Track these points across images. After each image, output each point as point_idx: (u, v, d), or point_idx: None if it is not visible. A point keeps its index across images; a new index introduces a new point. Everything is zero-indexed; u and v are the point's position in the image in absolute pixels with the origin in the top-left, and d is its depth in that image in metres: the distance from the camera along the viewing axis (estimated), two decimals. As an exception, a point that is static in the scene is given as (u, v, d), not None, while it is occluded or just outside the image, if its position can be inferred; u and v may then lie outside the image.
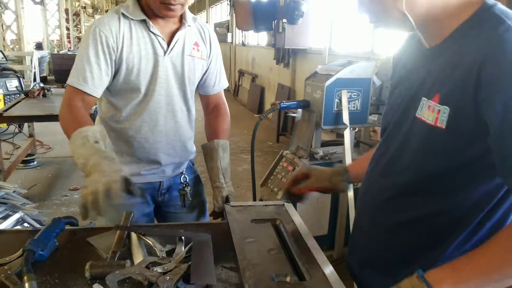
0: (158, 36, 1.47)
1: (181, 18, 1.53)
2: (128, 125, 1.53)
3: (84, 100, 1.42)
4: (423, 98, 0.91)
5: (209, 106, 1.74)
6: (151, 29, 1.46)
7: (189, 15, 1.54)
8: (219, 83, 1.71)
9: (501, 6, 0.85)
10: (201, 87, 1.69)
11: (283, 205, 1.43)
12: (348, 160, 2.57)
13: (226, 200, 1.52)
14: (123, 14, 1.44)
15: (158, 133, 1.55)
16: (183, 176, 1.69)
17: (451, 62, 0.86)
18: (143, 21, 1.46)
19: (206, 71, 1.64)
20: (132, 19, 1.45)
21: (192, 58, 1.56)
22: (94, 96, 1.43)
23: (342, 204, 2.71)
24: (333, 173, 1.33)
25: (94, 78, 1.41)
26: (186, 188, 1.68)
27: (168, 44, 1.50)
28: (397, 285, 0.82)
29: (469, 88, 0.80)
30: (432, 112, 0.88)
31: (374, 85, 2.68)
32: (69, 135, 1.28)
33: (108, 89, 1.50)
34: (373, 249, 1.11)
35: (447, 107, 0.84)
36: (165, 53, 1.49)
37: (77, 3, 18.32)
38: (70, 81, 1.42)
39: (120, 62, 1.44)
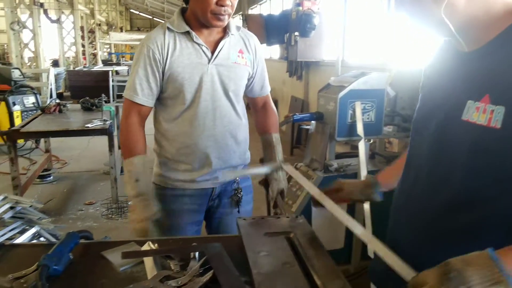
0: (202, 45, 1.57)
1: (225, 28, 1.61)
2: (179, 132, 1.61)
3: (140, 112, 1.59)
4: (469, 101, 0.90)
5: (257, 106, 1.85)
6: (195, 40, 1.56)
7: (232, 24, 1.62)
8: (264, 87, 1.82)
9: None
10: (248, 92, 1.78)
11: (297, 217, 1.41)
12: (363, 172, 2.54)
13: (281, 194, 1.69)
14: (168, 28, 1.56)
15: (207, 137, 1.62)
16: (235, 183, 1.75)
17: (503, 62, 0.85)
18: (187, 32, 1.55)
19: (253, 78, 1.73)
20: (176, 32, 1.55)
21: (237, 65, 1.63)
22: (147, 106, 1.59)
23: (358, 216, 2.67)
24: (364, 186, 1.33)
25: (143, 90, 1.55)
26: (239, 194, 1.76)
27: (213, 53, 1.58)
28: (463, 257, 0.75)
29: None
30: (483, 113, 0.86)
31: (388, 95, 2.66)
32: (124, 159, 1.56)
33: (158, 99, 1.62)
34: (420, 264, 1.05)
35: (501, 106, 0.83)
36: (209, 61, 1.57)
37: (92, 21, 18.71)
38: (125, 93, 1.59)
39: (166, 72, 1.55)
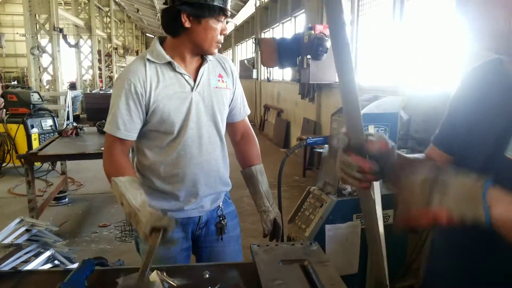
0: (184, 74, 1.56)
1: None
2: (166, 161, 1.60)
3: (122, 144, 1.56)
4: None
5: (237, 133, 1.83)
6: (177, 70, 1.55)
7: None
8: (244, 109, 1.80)
9: None
10: (229, 116, 1.75)
11: (311, 244, 1.41)
12: (377, 195, 2.51)
13: (275, 222, 1.72)
14: (148, 59, 1.53)
15: (195, 165, 1.61)
16: (219, 209, 1.74)
17: None
18: (169, 63, 1.54)
19: (233, 100, 1.73)
20: (157, 63, 1.54)
21: (219, 89, 1.64)
22: (130, 140, 1.56)
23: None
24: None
25: (126, 124, 1.53)
26: (222, 221, 1.73)
27: (194, 80, 1.58)
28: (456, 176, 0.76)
29: None
30: None
31: (402, 119, 2.65)
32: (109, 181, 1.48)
33: (143, 131, 1.59)
34: None
35: None
36: (192, 89, 1.57)
37: (109, 45, 19.16)
38: (107, 128, 1.56)
39: (151, 105, 1.53)
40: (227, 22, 1.54)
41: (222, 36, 1.54)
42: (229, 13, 1.51)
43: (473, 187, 0.74)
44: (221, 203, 1.75)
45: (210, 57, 1.62)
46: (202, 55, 1.58)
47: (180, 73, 1.55)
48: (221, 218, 1.73)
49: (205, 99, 1.60)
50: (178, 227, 1.64)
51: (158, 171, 1.61)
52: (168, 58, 1.54)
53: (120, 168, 1.50)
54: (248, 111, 1.83)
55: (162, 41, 1.59)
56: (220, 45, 1.56)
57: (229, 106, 1.72)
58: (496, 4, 0.78)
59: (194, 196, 1.64)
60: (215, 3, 1.45)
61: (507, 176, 0.82)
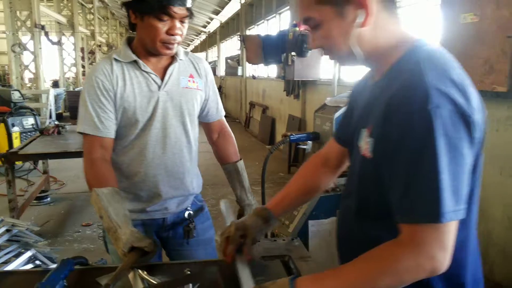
0: (151, 73, 1.53)
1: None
2: (128, 161, 1.57)
3: (102, 145, 1.49)
4: (362, 129, 0.98)
5: (214, 132, 1.81)
6: (142, 68, 1.52)
7: (180, 49, 1.59)
8: (220, 110, 1.79)
9: (427, 47, 0.91)
10: (204, 117, 1.74)
11: (293, 240, 1.41)
12: (360, 191, 2.53)
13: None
14: (115, 59, 1.51)
15: (157, 165, 1.57)
16: (187, 212, 1.70)
17: (380, 97, 0.92)
18: (134, 61, 1.52)
19: (206, 101, 1.71)
20: (124, 62, 1.52)
21: (189, 89, 1.60)
22: (109, 138, 1.50)
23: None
24: (263, 223, 1.24)
25: (102, 122, 1.48)
26: (190, 225, 1.68)
27: (162, 80, 1.55)
28: (265, 284, 0.95)
29: (383, 120, 0.87)
30: (365, 143, 0.95)
31: (383, 115, 2.67)
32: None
33: None
34: None
35: (372, 138, 0.92)
36: (159, 88, 1.54)
37: (92, 42, 18.91)
38: (82, 128, 1.49)
39: (117, 102, 1.50)
40: (182, 22, 1.45)
41: (174, 36, 1.45)
42: (176, 13, 1.40)
43: (282, 284, 0.92)
44: (189, 206, 1.71)
45: (181, 56, 1.58)
46: (156, 54, 1.52)
47: (146, 72, 1.52)
48: (189, 222, 1.68)
49: (174, 98, 1.56)
50: (141, 229, 1.58)
51: (120, 170, 1.57)
52: (134, 57, 1.51)
53: (102, 178, 1.42)
54: (223, 113, 1.82)
55: (132, 40, 1.56)
56: (173, 46, 1.48)
57: (202, 107, 1.70)
58: (336, 34, 0.94)
59: (157, 197, 1.60)
60: (155, 0, 1.38)
61: (356, 161, 1.00)
